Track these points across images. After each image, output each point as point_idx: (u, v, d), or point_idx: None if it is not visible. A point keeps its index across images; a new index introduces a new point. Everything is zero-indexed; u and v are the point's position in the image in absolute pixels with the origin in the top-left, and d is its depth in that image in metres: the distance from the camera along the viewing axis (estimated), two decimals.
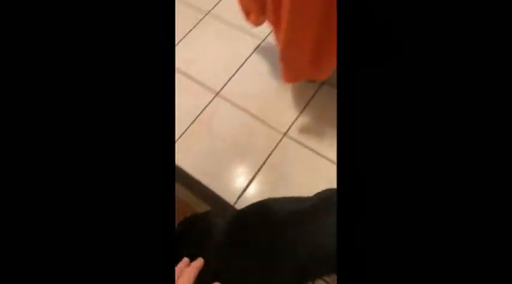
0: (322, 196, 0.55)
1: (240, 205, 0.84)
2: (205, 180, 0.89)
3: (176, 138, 0.96)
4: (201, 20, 1.20)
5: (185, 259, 0.34)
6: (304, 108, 0.97)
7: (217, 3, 1.23)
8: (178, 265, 0.32)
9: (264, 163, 0.90)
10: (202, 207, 0.86)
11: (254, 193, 0.86)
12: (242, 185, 0.88)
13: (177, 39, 1.14)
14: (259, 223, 0.46)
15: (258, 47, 1.10)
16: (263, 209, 0.48)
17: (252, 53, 1.09)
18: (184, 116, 0.99)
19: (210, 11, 1.22)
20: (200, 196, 0.87)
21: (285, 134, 0.93)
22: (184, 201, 0.86)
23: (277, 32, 0.77)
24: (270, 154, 0.91)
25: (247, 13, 0.89)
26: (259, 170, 0.89)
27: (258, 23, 0.88)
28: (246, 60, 1.08)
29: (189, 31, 1.16)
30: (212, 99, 1.02)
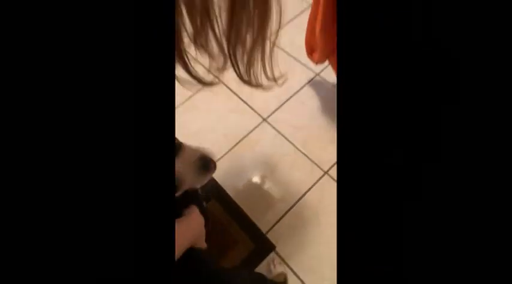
0: None
1: (272, 236, 0.85)
2: (241, 203, 0.91)
3: (220, 155, 1.00)
4: None
5: None
6: None
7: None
8: None
9: (300, 198, 0.91)
10: (233, 227, 0.87)
11: (287, 226, 0.87)
12: (276, 216, 0.89)
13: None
14: None
15: (311, 80, 1.13)
16: None
17: (305, 86, 1.12)
18: (231, 136, 1.03)
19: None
20: (234, 218, 0.89)
21: (326, 173, 0.94)
22: (217, 217, 0.89)
23: None
24: (308, 190, 0.91)
25: (311, 50, 0.92)
26: (295, 204, 0.90)
27: (319, 61, 0.91)
28: (297, 91, 1.11)
29: None
30: (259, 124, 1.05)
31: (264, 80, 0.32)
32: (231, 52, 0.30)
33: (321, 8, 0.69)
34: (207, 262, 0.43)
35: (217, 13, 0.26)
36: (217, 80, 0.33)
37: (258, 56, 0.30)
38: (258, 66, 0.31)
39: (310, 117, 1.05)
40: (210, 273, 0.42)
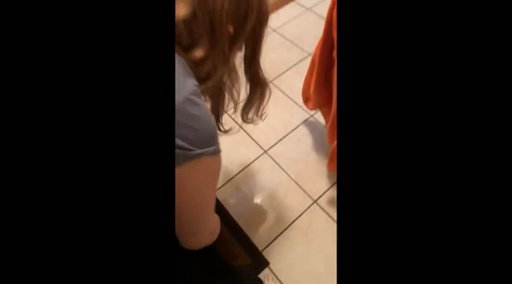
0: None
1: (267, 254, 0.99)
2: (241, 223, 1.06)
3: (225, 181, 1.16)
4: None
5: None
6: (336, 182, 1.14)
7: (279, 76, 1.51)
8: None
9: (292, 222, 1.06)
10: (234, 243, 1.02)
11: (280, 246, 1.01)
12: (271, 236, 1.03)
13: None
14: None
15: (306, 120, 1.33)
16: None
17: (300, 125, 1.32)
18: (236, 164, 1.20)
19: (273, 80, 1.49)
20: (235, 236, 1.03)
21: (315, 201, 1.10)
22: (221, 234, 1.03)
23: (327, 120, 0.98)
24: (299, 216, 1.07)
25: (306, 99, 1.12)
26: (287, 227, 1.05)
27: (313, 109, 1.10)
28: (294, 129, 1.30)
29: None
30: (260, 155, 1.23)
31: (255, 119, 0.61)
32: (241, 112, 0.58)
33: (315, 74, 0.89)
34: (221, 256, 0.56)
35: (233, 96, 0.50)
36: (233, 128, 0.59)
37: (256, 109, 0.58)
38: (255, 114, 0.60)
39: (304, 152, 1.23)
40: (223, 266, 0.55)
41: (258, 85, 0.54)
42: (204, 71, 0.41)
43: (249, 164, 1.21)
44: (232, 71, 0.45)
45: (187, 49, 0.40)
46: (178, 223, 0.42)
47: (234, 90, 0.48)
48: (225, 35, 0.40)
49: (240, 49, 0.47)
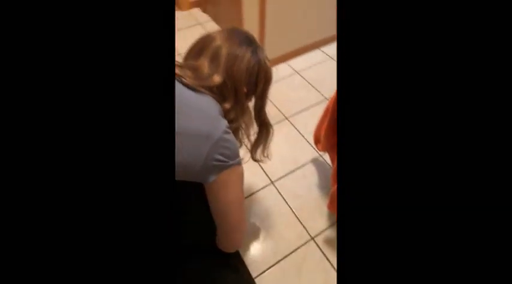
0: None
1: (259, 281, 1.03)
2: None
3: None
4: (279, 121, 1.58)
5: None
6: (335, 223, 1.19)
7: (295, 114, 1.63)
8: None
9: (288, 254, 1.10)
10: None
11: (273, 276, 1.05)
12: (266, 265, 1.08)
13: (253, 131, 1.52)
14: None
15: (314, 159, 1.41)
16: None
17: (308, 163, 1.40)
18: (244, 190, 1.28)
19: (289, 117, 1.61)
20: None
21: (312, 238, 1.15)
22: None
23: (333, 163, 1.06)
24: (295, 250, 1.11)
25: (317, 141, 1.22)
26: (282, 258, 1.09)
27: (322, 150, 1.20)
28: (302, 165, 1.39)
29: None
30: (267, 185, 1.31)
31: (263, 159, 0.84)
32: (251, 151, 0.83)
33: (326, 121, 1.00)
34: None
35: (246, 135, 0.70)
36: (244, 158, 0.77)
37: (263, 148, 0.82)
38: (261, 153, 0.83)
39: (308, 189, 1.30)
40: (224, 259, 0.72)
41: (264, 126, 0.78)
42: (230, 117, 0.64)
43: (255, 192, 1.28)
44: (248, 118, 0.69)
45: (220, 102, 0.63)
46: (226, 228, 0.62)
47: (249, 129, 0.72)
48: (243, 95, 0.65)
49: (250, 100, 0.71)
